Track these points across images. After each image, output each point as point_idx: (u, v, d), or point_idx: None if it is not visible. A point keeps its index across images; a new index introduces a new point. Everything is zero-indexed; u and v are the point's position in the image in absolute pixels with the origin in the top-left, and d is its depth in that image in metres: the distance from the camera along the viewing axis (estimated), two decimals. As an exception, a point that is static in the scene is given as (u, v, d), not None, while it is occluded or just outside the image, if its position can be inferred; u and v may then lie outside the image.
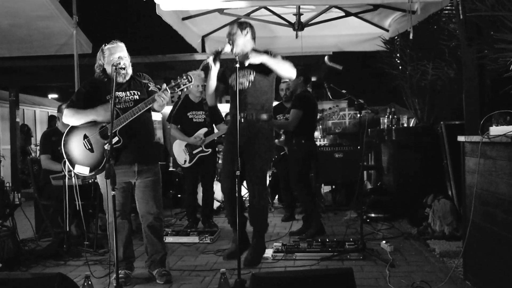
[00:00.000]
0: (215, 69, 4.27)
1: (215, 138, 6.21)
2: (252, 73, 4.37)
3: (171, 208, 7.59)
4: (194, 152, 6.08)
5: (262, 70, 4.33)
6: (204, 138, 6.01)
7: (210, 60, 4.21)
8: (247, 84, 4.38)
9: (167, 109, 6.27)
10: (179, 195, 7.95)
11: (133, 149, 3.94)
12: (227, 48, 4.24)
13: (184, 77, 3.81)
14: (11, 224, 4.88)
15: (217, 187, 6.57)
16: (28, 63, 9.04)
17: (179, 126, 6.15)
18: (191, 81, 3.84)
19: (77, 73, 6.12)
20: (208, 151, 6.08)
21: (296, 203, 6.94)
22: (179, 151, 6.20)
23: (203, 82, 5.90)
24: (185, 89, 3.90)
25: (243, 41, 4.30)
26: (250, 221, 4.61)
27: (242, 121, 4.27)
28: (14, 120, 10.11)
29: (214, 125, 6.27)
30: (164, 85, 3.87)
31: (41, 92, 17.76)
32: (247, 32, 4.28)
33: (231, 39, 4.28)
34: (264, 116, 4.44)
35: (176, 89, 3.81)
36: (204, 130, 6.08)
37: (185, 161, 6.15)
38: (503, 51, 3.43)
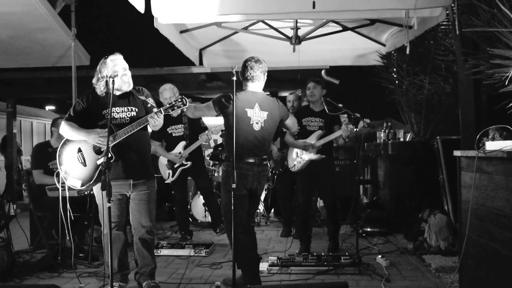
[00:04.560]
0: None
1: (194, 148, 6.12)
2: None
3: (167, 220, 7.57)
4: (175, 166, 6.15)
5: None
6: (182, 151, 6.10)
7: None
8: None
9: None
10: (174, 208, 7.92)
11: (127, 165, 3.95)
12: None
13: (179, 100, 3.80)
14: (6, 236, 4.85)
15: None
16: (26, 75, 9.05)
17: (162, 141, 6.20)
18: (186, 104, 3.82)
19: (74, 85, 6.11)
20: (187, 164, 6.11)
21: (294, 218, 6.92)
22: (163, 167, 6.28)
23: (174, 94, 5.91)
24: (179, 112, 3.86)
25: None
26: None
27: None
28: (11, 131, 10.11)
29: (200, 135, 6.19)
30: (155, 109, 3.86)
31: (38, 104, 17.77)
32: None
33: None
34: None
35: (170, 111, 3.80)
36: (182, 143, 6.14)
37: (169, 175, 6.22)
38: (499, 67, 3.45)
